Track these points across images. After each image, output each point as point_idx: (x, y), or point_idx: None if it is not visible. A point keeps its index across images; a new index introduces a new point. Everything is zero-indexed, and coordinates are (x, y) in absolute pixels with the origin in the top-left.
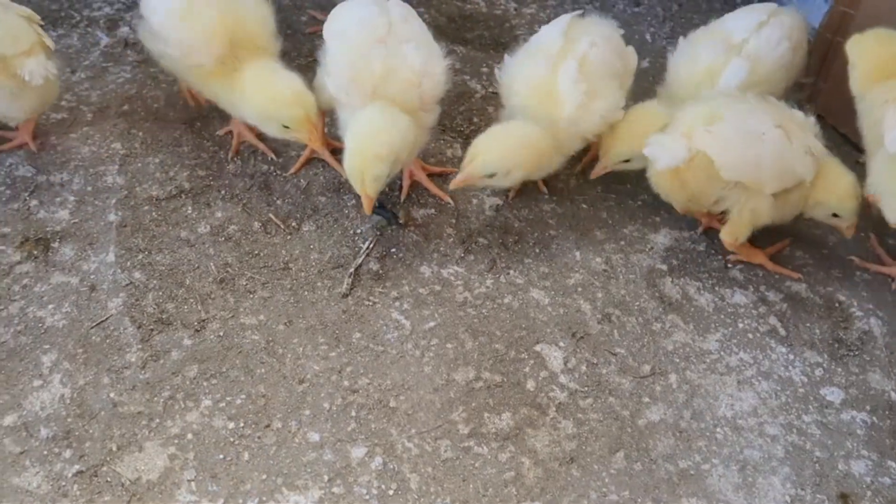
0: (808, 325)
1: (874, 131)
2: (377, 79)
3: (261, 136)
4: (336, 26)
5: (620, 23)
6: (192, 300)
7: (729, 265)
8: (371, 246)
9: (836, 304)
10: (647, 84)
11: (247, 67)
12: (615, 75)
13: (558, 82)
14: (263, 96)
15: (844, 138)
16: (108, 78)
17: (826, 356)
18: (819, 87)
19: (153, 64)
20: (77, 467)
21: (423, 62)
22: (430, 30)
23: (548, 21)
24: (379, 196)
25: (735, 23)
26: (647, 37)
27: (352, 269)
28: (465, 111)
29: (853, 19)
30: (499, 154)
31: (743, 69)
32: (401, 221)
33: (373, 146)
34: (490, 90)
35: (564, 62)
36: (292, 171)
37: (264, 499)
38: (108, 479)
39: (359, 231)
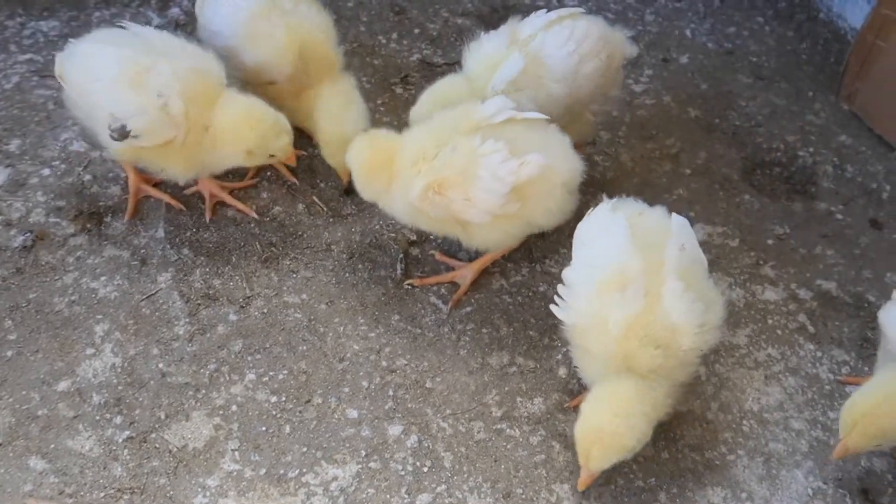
0: (836, 323)
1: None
2: None
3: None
4: None
5: (661, 17)
6: (237, 277)
7: None
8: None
9: (866, 304)
10: (685, 79)
11: (321, 86)
12: None
13: None
14: (333, 133)
15: (879, 139)
16: None
17: (854, 355)
18: (857, 88)
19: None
20: (127, 433)
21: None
22: (473, 19)
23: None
24: None
25: (528, 22)
26: (688, 32)
27: (401, 255)
28: None
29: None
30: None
31: (519, 63)
32: None
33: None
34: None
35: None
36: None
37: (304, 470)
38: (157, 446)
39: None
